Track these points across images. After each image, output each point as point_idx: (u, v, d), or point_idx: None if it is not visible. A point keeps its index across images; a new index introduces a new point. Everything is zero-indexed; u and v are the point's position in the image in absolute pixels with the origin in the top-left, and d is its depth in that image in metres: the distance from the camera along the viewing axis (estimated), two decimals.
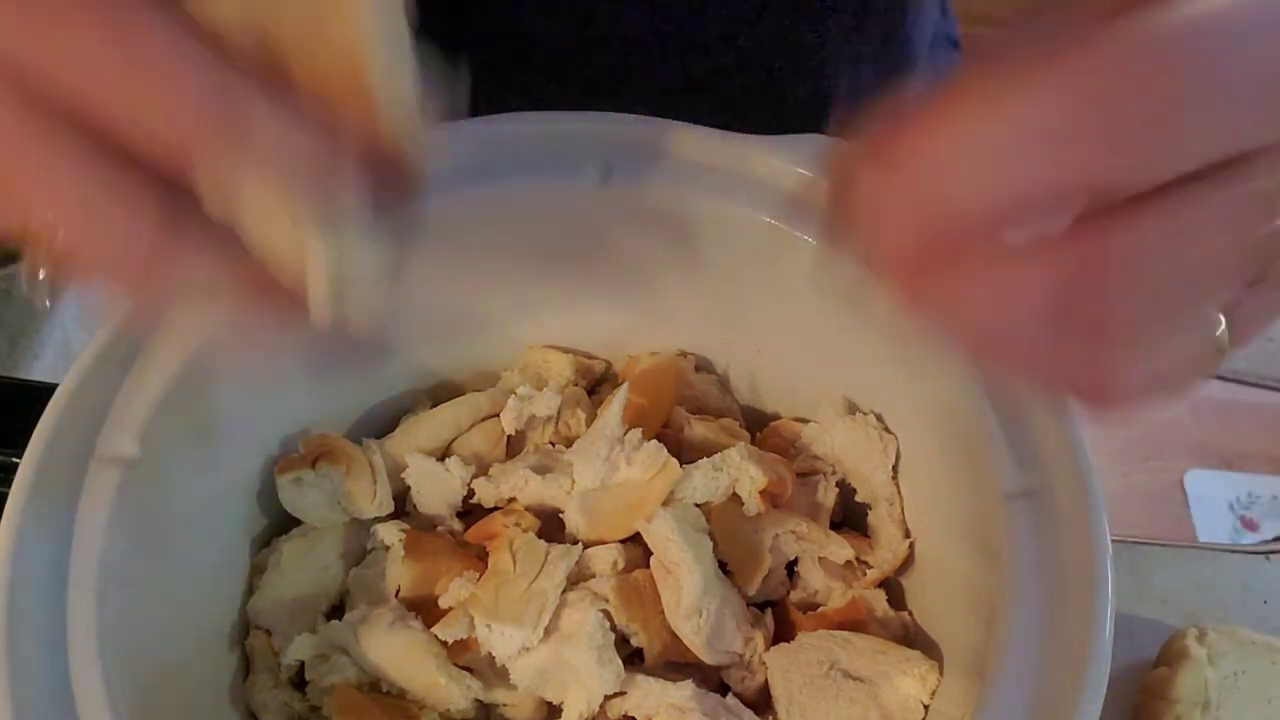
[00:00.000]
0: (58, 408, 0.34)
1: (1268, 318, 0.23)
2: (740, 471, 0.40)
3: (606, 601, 0.38)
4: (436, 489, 0.43)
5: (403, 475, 0.43)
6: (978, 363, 0.23)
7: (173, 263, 0.24)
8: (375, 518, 0.42)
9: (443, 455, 0.44)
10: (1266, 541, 0.55)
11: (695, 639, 0.38)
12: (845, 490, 0.43)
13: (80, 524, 0.33)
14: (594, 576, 0.39)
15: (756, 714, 0.37)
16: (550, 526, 0.41)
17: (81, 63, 0.22)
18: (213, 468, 0.40)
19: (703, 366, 0.47)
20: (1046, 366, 0.22)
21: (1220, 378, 1.60)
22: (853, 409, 0.43)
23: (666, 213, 0.40)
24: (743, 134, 0.40)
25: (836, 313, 0.40)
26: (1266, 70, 0.19)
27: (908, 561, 0.41)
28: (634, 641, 0.38)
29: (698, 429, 0.43)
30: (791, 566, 0.42)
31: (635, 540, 0.40)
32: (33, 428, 0.34)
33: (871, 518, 0.42)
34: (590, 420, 0.44)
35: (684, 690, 0.36)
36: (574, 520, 0.40)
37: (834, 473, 0.43)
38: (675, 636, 0.38)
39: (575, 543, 0.40)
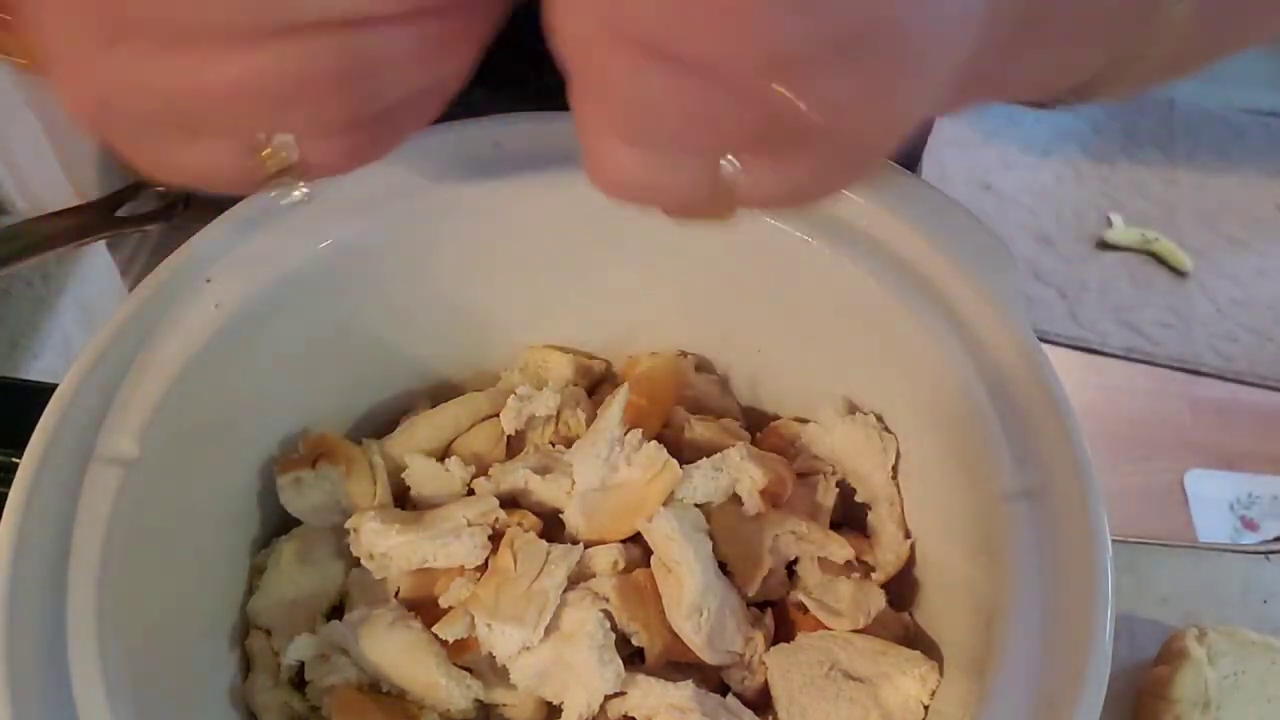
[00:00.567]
0: (58, 408, 0.34)
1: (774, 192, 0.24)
2: (740, 471, 0.40)
3: (607, 601, 0.38)
4: (436, 489, 0.43)
5: (403, 475, 0.43)
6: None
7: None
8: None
9: (443, 455, 0.44)
10: (1266, 541, 0.55)
11: (696, 638, 0.38)
12: (845, 490, 0.43)
13: (80, 524, 0.33)
14: (594, 576, 0.39)
15: (756, 714, 0.38)
16: (550, 526, 0.41)
17: None
18: (213, 468, 0.40)
19: (703, 366, 0.47)
20: None
21: (1220, 377, 1.60)
22: (853, 409, 0.43)
23: None
24: None
25: (837, 313, 0.40)
26: None
27: (908, 562, 0.41)
28: (635, 641, 0.38)
29: (698, 429, 0.43)
30: (791, 566, 0.42)
31: (635, 540, 0.40)
32: (33, 428, 0.34)
33: (871, 518, 0.42)
34: (590, 420, 0.44)
35: (684, 690, 0.36)
36: (574, 521, 0.40)
37: (834, 473, 0.43)
38: (676, 636, 0.38)
39: (575, 543, 0.40)
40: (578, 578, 0.39)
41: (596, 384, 0.48)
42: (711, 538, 0.40)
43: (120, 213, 0.46)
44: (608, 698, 0.37)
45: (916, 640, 0.40)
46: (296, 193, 0.28)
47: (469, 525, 0.39)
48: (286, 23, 0.22)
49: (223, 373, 0.38)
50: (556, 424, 0.44)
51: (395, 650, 0.38)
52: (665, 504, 0.39)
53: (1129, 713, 0.48)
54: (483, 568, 0.39)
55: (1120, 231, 1.73)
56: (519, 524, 0.40)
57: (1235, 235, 1.76)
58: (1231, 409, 1.58)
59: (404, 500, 0.43)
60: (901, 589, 0.41)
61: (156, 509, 0.36)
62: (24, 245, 0.45)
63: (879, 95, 0.22)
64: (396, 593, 0.41)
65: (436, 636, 0.38)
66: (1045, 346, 0.35)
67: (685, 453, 0.42)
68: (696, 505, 0.41)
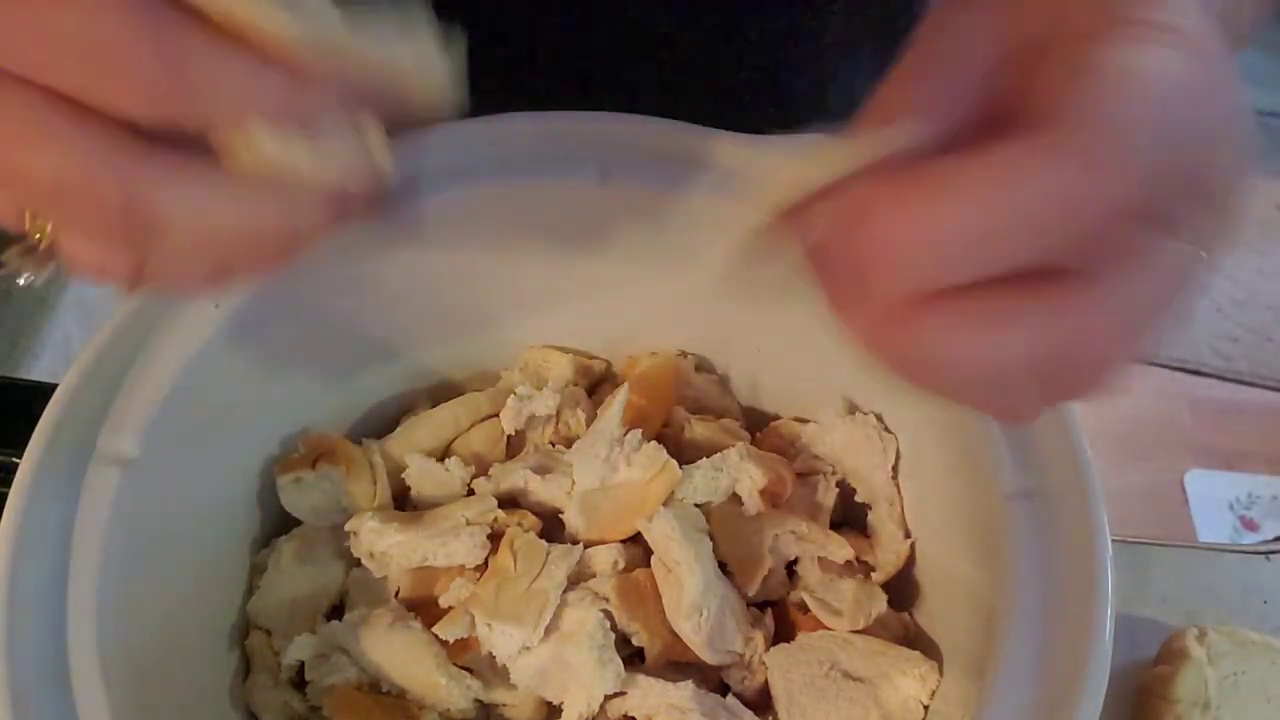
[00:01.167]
0: (58, 408, 0.34)
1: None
2: (740, 471, 0.40)
3: (607, 601, 0.38)
4: (436, 489, 0.43)
5: (403, 475, 0.43)
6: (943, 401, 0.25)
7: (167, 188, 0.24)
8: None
9: (443, 455, 0.44)
10: (1266, 541, 0.55)
11: (696, 638, 0.38)
12: (845, 490, 0.43)
13: (80, 524, 0.33)
14: (594, 576, 0.39)
15: (756, 714, 0.38)
16: (550, 526, 0.41)
17: (37, 33, 0.22)
18: (213, 468, 0.40)
19: (703, 366, 0.47)
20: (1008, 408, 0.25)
21: (1220, 377, 1.60)
22: (853, 409, 0.43)
23: (666, 213, 0.40)
24: (743, 133, 0.40)
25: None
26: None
27: (908, 562, 0.41)
28: (635, 641, 0.38)
29: (698, 429, 0.43)
30: (791, 566, 0.42)
31: (635, 540, 0.40)
32: (33, 428, 0.34)
33: (871, 518, 0.42)
34: (590, 420, 0.44)
35: (684, 690, 0.36)
36: (574, 521, 0.40)
37: (834, 473, 0.43)
38: (676, 636, 0.38)
39: (575, 543, 0.40)
40: (578, 578, 0.39)
41: (596, 384, 0.48)
42: (711, 538, 0.40)
43: None
44: (608, 698, 0.37)
45: (916, 640, 0.40)
46: (23, 276, 0.27)
47: (468, 525, 0.39)
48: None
49: (223, 373, 0.38)
50: (556, 424, 0.44)
51: (395, 650, 0.38)
52: (665, 504, 0.39)
53: (1129, 713, 0.48)
54: (483, 568, 0.39)
55: None
56: (519, 524, 0.40)
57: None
58: (1231, 409, 1.58)
59: (404, 500, 0.43)
60: (901, 589, 0.41)
61: (156, 509, 0.36)
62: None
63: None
64: (396, 593, 0.41)
65: (436, 636, 0.38)
66: None
67: (685, 453, 0.42)
68: (696, 505, 0.41)
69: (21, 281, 0.27)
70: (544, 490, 0.41)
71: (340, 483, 0.41)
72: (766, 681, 0.39)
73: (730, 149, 0.40)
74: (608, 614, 0.37)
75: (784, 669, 0.38)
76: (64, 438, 0.34)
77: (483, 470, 0.43)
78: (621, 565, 0.39)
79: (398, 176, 0.28)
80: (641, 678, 0.37)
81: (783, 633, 0.40)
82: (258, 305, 0.38)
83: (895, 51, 0.24)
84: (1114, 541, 0.32)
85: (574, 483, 0.40)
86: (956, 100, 0.23)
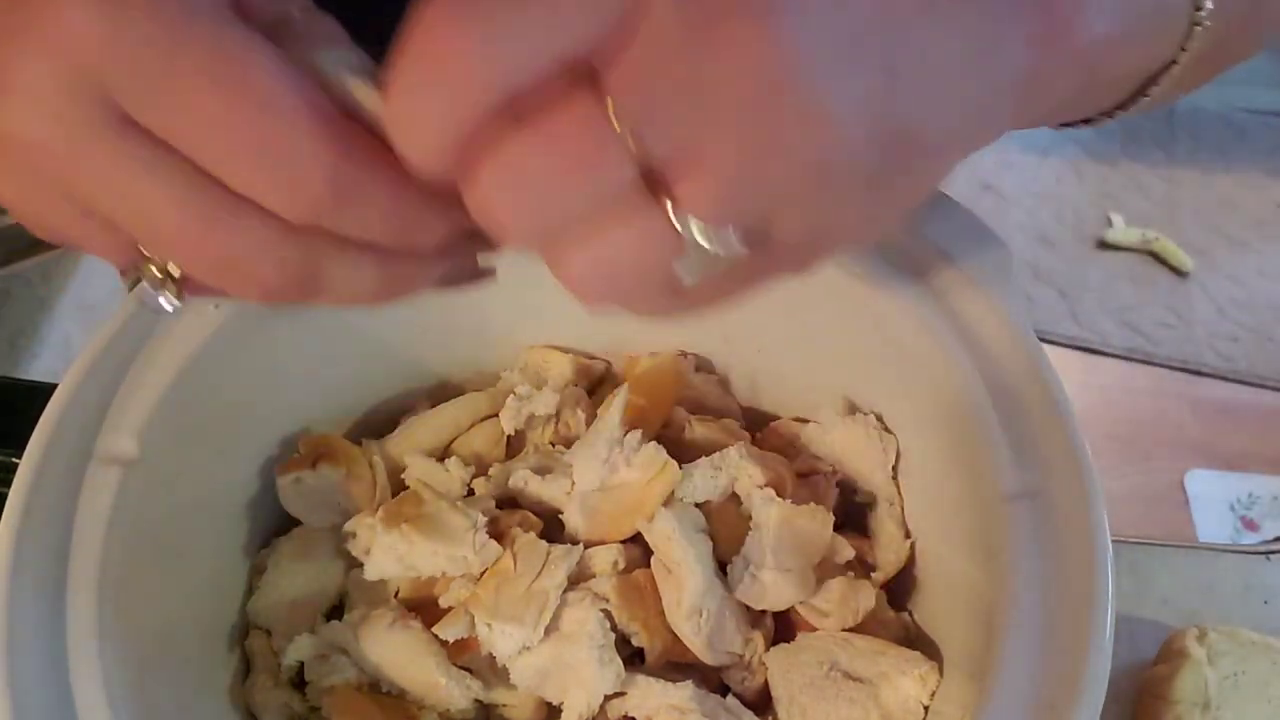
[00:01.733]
0: (58, 408, 0.34)
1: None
2: (740, 471, 0.40)
3: (607, 601, 0.38)
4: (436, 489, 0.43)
5: (403, 475, 0.43)
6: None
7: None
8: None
9: (443, 455, 0.44)
10: (1267, 541, 0.55)
11: (695, 639, 0.38)
12: (845, 490, 0.43)
13: (80, 524, 0.33)
14: (594, 576, 0.39)
15: (756, 714, 0.38)
16: (550, 527, 0.41)
17: (196, 115, 0.23)
18: (213, 468, 0.40)
19: (703, 366, 0.47)
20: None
21: (1220, 377, 1.60)
22: (853, 409, 0.43)
23: None
24: None
25: (837, 313, 0.40)
26: None
27: (908, 562, 0.41)
28: (635, 641, 0.38)
29: (698, 429, 0.43)
30: None
31: (635, 540, 0.40)
32: (33, 428, 0.34)
33: (871, 518, 0.42)
34: (590, 420, 0.44)
35: (684, 690, 0.36)
36: (574, 521, 0.40)
37: (834, 473, 0.43)
38: (676, 636, 0.38)
39: (575, 543, 0.40)
40: (578, 578, 0.39)
41: (596, 384, 0.48)
42: (711, 538, 0.40)
43: None
44: (608, 698, 0.37)
45: (916, 640, 0.40)
46: (165, 304, 0.28)
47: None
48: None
49: (222, 373, 0.38)
50: (556, 424, 0.44)
51: (395, 650, 0.38)
52: (665, 504, 0.39)
53: (1129, 713, 0.48)
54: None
55: (1120, 231, 1.72)
56: (519, 524, 0.40)
57: (1235, 235, 1.75)
58: (1231, 409, 1.58)
59: None
60: (901, 589, 0.41)
61: (156, 509, 0.36)
62: (24, 245, 0.45)
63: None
64: (396, 593, 0.41)
65: (436, 636, 0.38)
66: (1045, 346, 0.35)
67: (685, 453, 0.42)
68: (696, 505, 0.41)
69: (166, 307, 0.28)
70: (544, 490, 0.41)
71: (340, 483, 0.41)
72: (766, 682, 0.39)
73: None
74: (608, 614, 0.37)
75: (784, 669, 0.38)
76: (64, 438, 0.34)
77: (483, 470, 0.43)
78: (621, 565, 0.39)
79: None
80: (641, 678, 0.37)
81: (782, 633, 0.40)
82: (258, 305, 0.38)
83: None
84: (1114, 542, 0.32)
85: (574, 483, 0.40)
86: None
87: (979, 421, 0.35)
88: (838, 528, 0.40)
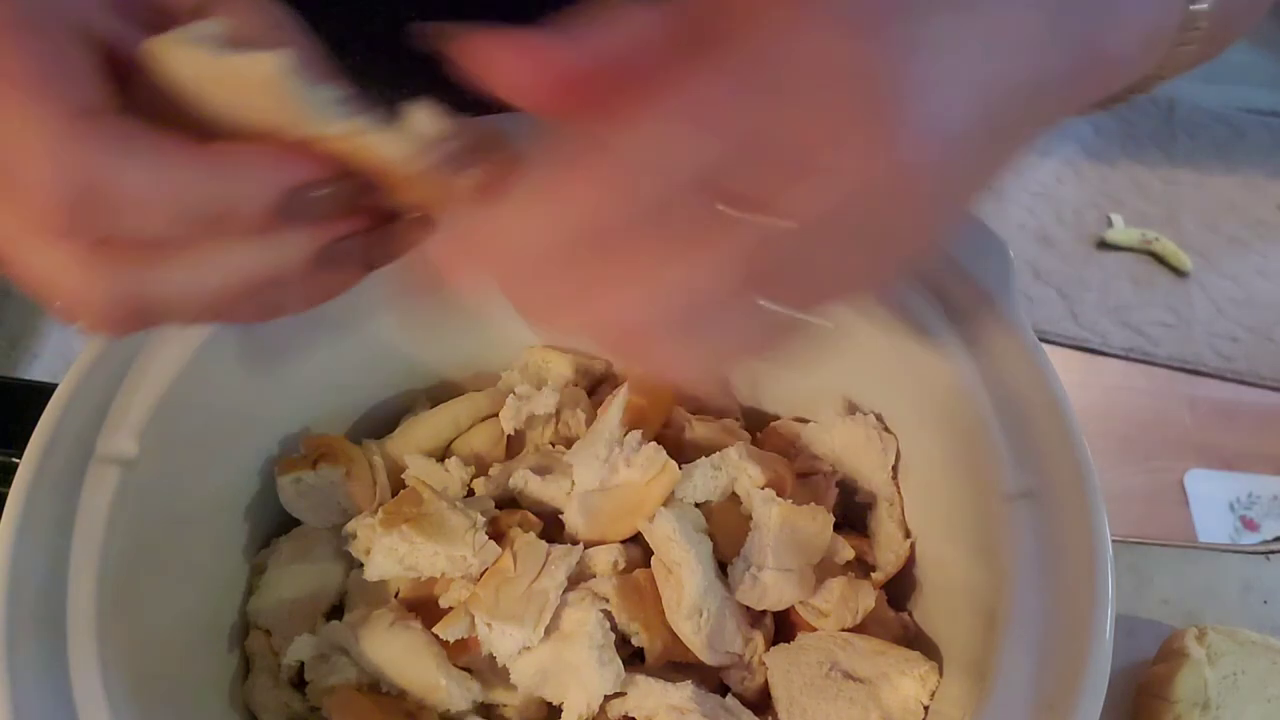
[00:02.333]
0: (58, 408, 0.34)
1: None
2: (739, 471, 0.40)
3: (607, 601, 0.38)
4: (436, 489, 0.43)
5: (403, 475, 0.43)
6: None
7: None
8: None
9: (443, 455, 0.44)
10: (1266, 541, 0.55)
11: (695, 639, 0.38)
12: (845, 490, 0.43)
13: (80, 524, 0.33)
14: (594, 576, 0.39)
15: (756, 714, 0.37)
16: (550, 527, 0.41)
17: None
18: (213, 468, 0.40)
19: None
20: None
21: (1220, 377, 1.60)
22: (853, 409, 0.43)
23: None
24: None
25: (836, 312, 0.40)
26: None
27: (908, 562, 0.41)
28: (635, 641, 0.38)
29: (698, 429, 0.43)
30: None
31: (635, 540, 0.40)
32: (33, 428, 0.34)
33: (871, 518, 0.42)
34: (590, 420, 0.44)
35: (684, 691, 0.36)
36: (574, 521, 0.40)
37: (834, 473, 0.43)
38: (676, 636, 0.38)
39: (575, 543, 0.40)
40: (578, 578, 0.39)
41: (596, 384, 0.48)
42: (711, 538, 0.40)
43: None
44: (608, 698, 0.37)
45: (916, 640, 0.40)
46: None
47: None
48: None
49: (223, 373, 0.38)
50: (556, 424, 0.44)
51: (395, 651, 0.38)
52: (665, 504, 0.39)
53: (1129, 713, 0.48)
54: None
55: (1120, 231, 1.72)
56: (519, 524, 0.40)
57: (1235, 235, 1.75)
58: (1231, 409, 1.58)
59: None
60: (901, 589, 0.41)
61: (156, 509, 0.36)
62: None
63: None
64: (396, 593, 0.41)
65: (436, 637, 0.38)
66: (1045, 346, 0.35)
67: (685, 453, 0.42)
68: (696, 505, 0.41)
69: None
70: (544, 490, 0.41)
71: (340, 483, 0.41)
72: (766, 682, 0.38)
73: None
74: (608, 614, 0.37)
75: (784, 669, 0.38)
76: (64, 438, 0.34)
77: (483, 470, 0.43)
78: (621, 565, 0.39)
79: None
80: (641, 678, 0.37)
81: (783, 633, 0.40)
82: None
83: None
84: (1114, 542, 0.32)
85: (574, 483, 0.40)
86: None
87: (979, 421, 0.35)
88: (838, 528, 0.40)
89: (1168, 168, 1.85)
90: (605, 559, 0.39)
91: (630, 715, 0.37)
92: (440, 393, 0.47)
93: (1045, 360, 0.35)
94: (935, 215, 0.25)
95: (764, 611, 0.40)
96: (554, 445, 0.44)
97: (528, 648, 0.37)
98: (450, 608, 0.39)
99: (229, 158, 0.25)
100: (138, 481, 0.34)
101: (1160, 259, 1.71)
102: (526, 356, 0.47)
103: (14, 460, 0.34)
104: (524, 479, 0.41)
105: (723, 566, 0.40)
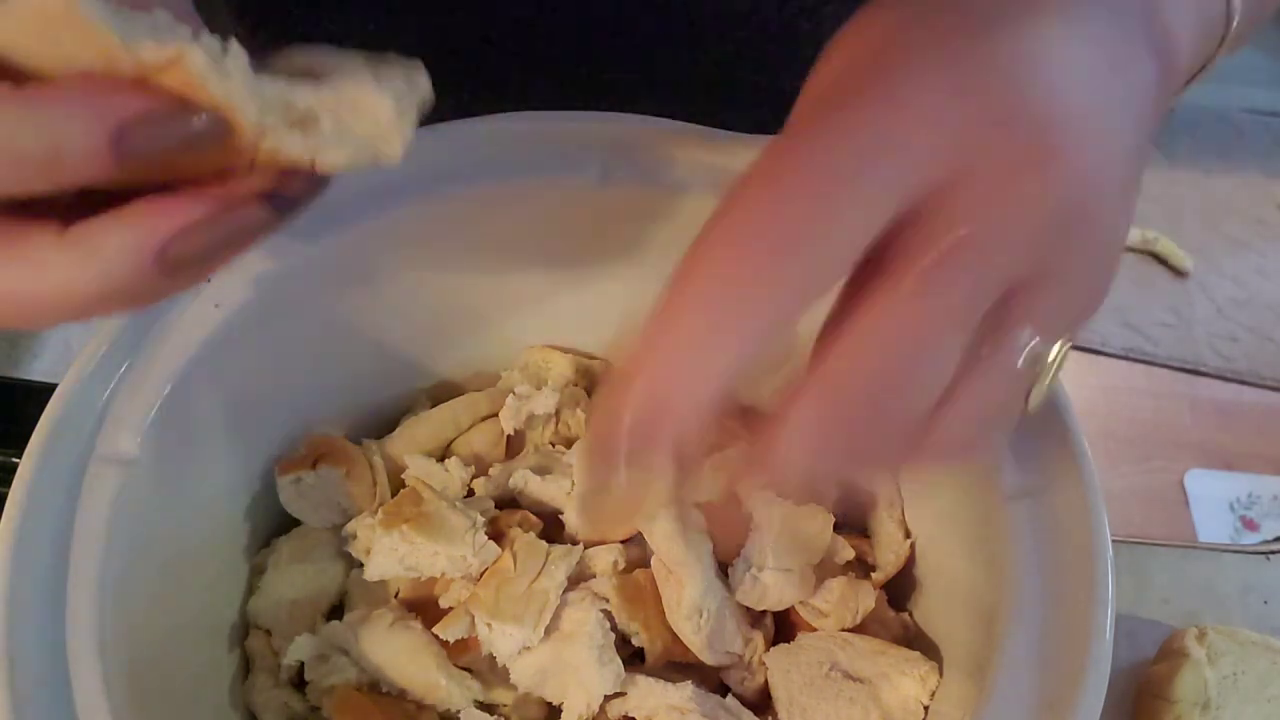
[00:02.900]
0: (58, 408, 0.34)
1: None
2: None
3: (607, 601, 0.38)
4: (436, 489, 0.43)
5: (403, 475, 0.43)
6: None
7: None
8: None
9: (443, 455, 0.44)
10: (1267, 541, 0.55)
11: (696, 639, 0.38)
12: (845, 490, 0.43)
13: (80, 524, 0.33)
14: (594, 576, 0.39)
15: (756, 714, 0.37)
16: (550, 527, 0.41)
17: None
18: (213, 468, 0.40)
19: None
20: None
21: (1220, 377, 1.60)
22: None
23: (666, 212, 0.40)
24: (742, 133, 0.40)
25: None
26: None
27: (908, 562, 0.41)
28: (635, 641, 0.38)
29: None
30: None
31: (635, 540, 0.40)
32: (33, 428, 0.34)
33: (871, 518, 0.42)
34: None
35: (684, 691, 0.36)
36: (573, 521, 0.40)
37: None
38: (676, 637, 0.38)
39: (575, 543, 0.40)
40: (578, 578, 0.39)
41: (596, 384, 0.48)
42: (711, 538, 0.40)
43: None
44: (608, 698, 0.37)
45: (916, 640, 0.40)
46: None
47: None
48: None
49: (222, 373, 0.38)
50: (556, 424, 0.44)
51: (395, 651, 0.38)
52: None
53: (1129, 713, 0.48)
54: None
55: None
56: (519, 524, 0.40)
57: (1235, 235, 1.76)
58: (1231, 409, 1.58)
59: None
60: (901, 589, 0.41)
61: (156, 509, 0.36)
62: None
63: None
64: (397, 593, 0.41)
65: (436, 637, 0.38)
66: None
67: None
68: (696, 505, 0.41)
69: None
70: (544, 490, 0.41)
71: (340, 483, 0.41)
72: (766, 682, 0.39)
73: (729, 148, 0.40)
74: (608, 614, 0.37)
75: (784, 669, 0.38)
76: (64, 438, 0.34)
77: (483, 470, 0.43)
78: (621, 565, 0.39)
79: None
80: (641, 678, 0.37)
81: (783, 633, 0.40)
82: (258, 305, 0.38)
83: None
84: (1114, 542, 0.32)
85: (574, 483, 0.40)
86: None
87: None
88: (838, 528, 0.40)
89: (1168, 168, 1.85)
90: (606, 559, 0.39)
91: (630, 715, 0.37)
92: (440, 393, 0.47)
93: None
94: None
95: (764, 611, 0.40)
96: (554, 445, 0.44)
97: (528, 648, 0.37)
98: (450, 608, 0.39)
99: (44, 95, 0.23)
100: (138, 481, 0.34)
101: (1160, 259, 1.71)
102: (526, 356, 0.47)
103: (14, 460, 0.34)
104: (524, 479, 0.41)
105: (723, 567, 0.40)
